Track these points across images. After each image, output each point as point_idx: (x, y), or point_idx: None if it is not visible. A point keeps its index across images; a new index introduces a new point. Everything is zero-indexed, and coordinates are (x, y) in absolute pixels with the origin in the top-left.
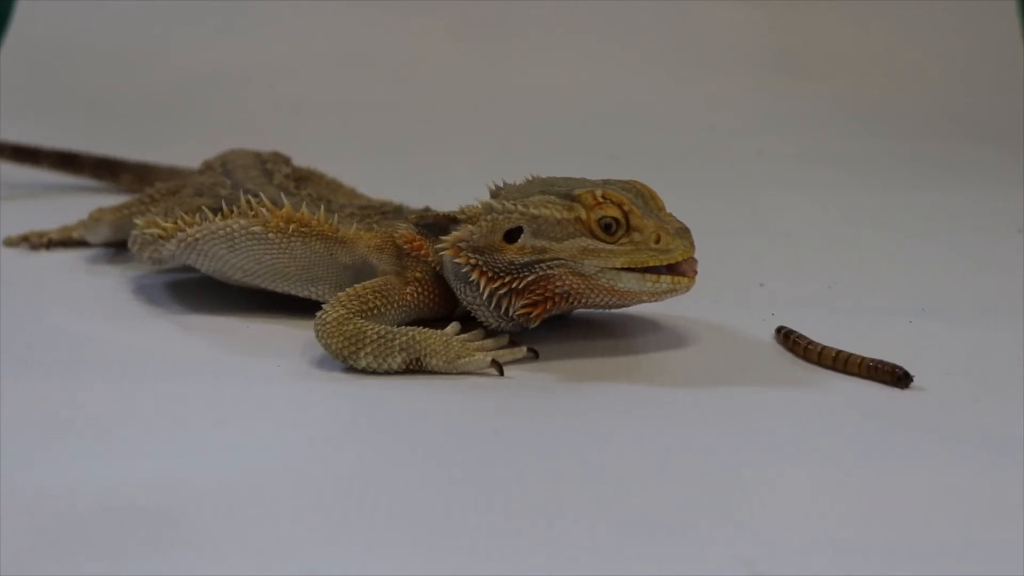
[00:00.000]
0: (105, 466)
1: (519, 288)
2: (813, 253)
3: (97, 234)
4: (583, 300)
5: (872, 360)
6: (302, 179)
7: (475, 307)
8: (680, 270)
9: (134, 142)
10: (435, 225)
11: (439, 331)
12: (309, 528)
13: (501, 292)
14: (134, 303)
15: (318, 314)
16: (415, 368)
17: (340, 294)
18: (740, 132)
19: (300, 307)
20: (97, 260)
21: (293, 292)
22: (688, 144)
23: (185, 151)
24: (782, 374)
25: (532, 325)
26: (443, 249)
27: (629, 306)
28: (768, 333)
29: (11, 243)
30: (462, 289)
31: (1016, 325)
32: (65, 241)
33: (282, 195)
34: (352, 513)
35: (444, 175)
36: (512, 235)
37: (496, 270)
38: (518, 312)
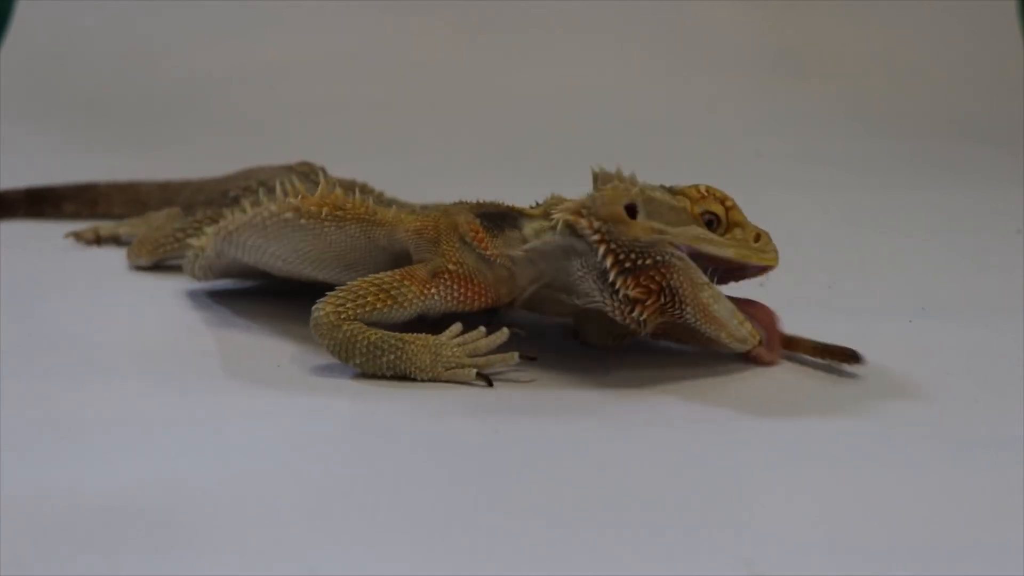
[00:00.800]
0: (105, 466)
1: (639, 267)
2: (813, 253)
3: (139, 261)
4: (680, 308)
5: (820, 343)
6: (351, 189)
7: (585, 285)
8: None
9: (134, 143)
10: (497, 215)
11: (431, 339)
12: (309, 528)
13: (626, 266)
14: (137, 303)
15: (314, 307)
16: (404, 379)
17: (340, 287)
18: (740, 132)
19: (302, 307)
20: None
21: (332, 280)
22: (688, 144)
23: (185, 151)
24: (781, 374)
25: (642, 321)
26: (563, 216)
27: (698, 342)
28: None
29: (75, 237)
30: (575, 264)
31: (1016, 325)
32: (115, 237)
33: (322, 180)
34: (352, 513)
35: (444, 175)
36: (630, 212)
37: (620, 243)
38: (631, 294)
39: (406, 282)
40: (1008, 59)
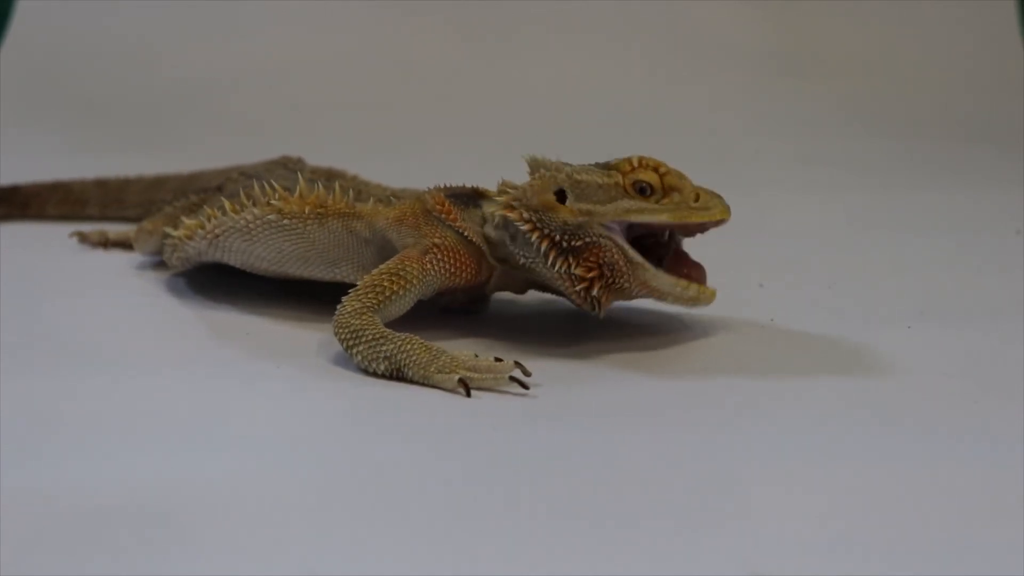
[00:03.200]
0: (104, 465)
1: (576, 247)
2: (813, 253)
3: (149, 246)
4: (622, 282)
5: None
6: (332, 177)
7: (538, 269)
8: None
9: (134, 143)
10: (462, 195)
11: (433, 345)
12: (309, 528)
13: (563, 246)
14: (136, 302)
15: (338, 305)
16: (397, 377)
17: (359, 285)
18: (740, 132)
19: (302, 308)
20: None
21: (318, 277)
22: (688, 144)
23: (186, 151)
24: (782, 374)
25: (597, 299)
26: (497, 209)
27: (655, 299)
28: (766, 333)
29: (78, 238)
30: (518, 252)
31: (1015, 326)
32: (123, 242)
33: (300, 180)
34: (352, 512)
35: (444, 175)
36: (560, 196)
37: (551, 229)
38: (576, 272)
39: (406, 263)
40: (1008, 59)
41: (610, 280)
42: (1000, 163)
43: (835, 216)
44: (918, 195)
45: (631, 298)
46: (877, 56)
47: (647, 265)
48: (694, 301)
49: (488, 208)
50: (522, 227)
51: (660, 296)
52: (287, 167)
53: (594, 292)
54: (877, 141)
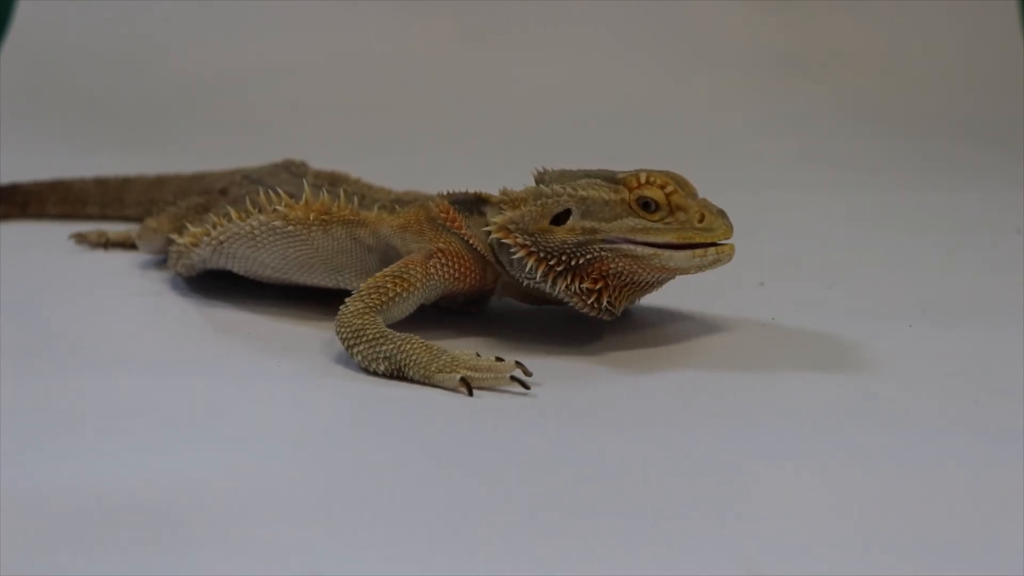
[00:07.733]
0: (104, 464)
1: (578, 266)
2: (813, 253)
3: (153, 245)
4: (636, 278)
5: None
6: (335, 181)
7: (543, 289)
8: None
9: (134, 143)
10: (466, 202)
11: (433, 345)
12: (309, 527)
13: (558, 270)
14: (137, 301)
15: (341, 306)
16: (398, 376)
17: (362, 286)
18: (740, 132)
19: (304, 307)
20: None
21: (322, 284)
22: (688, 144)
23: (186, 151)
24: (782, 374)
25: (609, 307)
26: (492, 232)
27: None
28: (766, 333)
29: (77, 239)
30: (519, 273)
31: (1016, 326)
32: (123, 242)
33: (305, 186)
34: (352, 512)
35: (444, 175)
36: (559, 219)
37: (548, 251)
38: (584, 287)
39: (410, 266)
40: (1008, 59)
41: (620, 284)
42: (1000, 163)
43: (836, 215)
44: (918, 195)
45: (654, 287)
46: (877, 56)
47: (658, 252)
48: (716, 263)
49: (490, 216)
50: (517, 253)
51: (683, 272)
52: (290, 170)
53: (604, 303)
54: (877, 140)
